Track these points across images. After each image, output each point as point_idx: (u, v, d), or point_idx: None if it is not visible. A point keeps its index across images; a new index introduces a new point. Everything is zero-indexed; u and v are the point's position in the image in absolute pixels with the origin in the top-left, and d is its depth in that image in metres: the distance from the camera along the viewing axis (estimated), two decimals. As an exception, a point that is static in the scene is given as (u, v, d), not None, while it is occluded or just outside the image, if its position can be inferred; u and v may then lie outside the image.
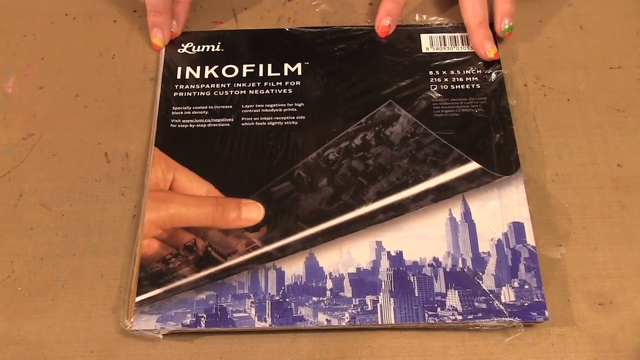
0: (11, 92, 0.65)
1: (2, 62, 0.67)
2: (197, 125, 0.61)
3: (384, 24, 0.66)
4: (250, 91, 0.63)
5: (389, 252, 0.55)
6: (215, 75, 0.64)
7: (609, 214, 0.58)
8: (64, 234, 0.58)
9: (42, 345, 0.54)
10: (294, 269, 0.55)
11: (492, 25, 0.65)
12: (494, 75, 0.63)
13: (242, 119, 0.62)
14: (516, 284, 0.54)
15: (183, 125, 0.61)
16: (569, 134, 0.62)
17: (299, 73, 0.64)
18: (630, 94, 0.64)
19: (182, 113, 0.62)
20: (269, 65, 0.65)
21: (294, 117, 0.62)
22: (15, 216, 0.59)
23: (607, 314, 0.55)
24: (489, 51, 0.64)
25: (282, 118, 0.62)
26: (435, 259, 0.55)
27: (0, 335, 0.54)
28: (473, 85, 0.63)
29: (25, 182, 0.61)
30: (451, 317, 0.53)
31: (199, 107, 0.62)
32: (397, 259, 0.55)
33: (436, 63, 0.64)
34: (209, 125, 0.61)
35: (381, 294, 0.54)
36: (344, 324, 0.53)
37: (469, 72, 0.64)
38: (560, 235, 0.57)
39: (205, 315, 0.53)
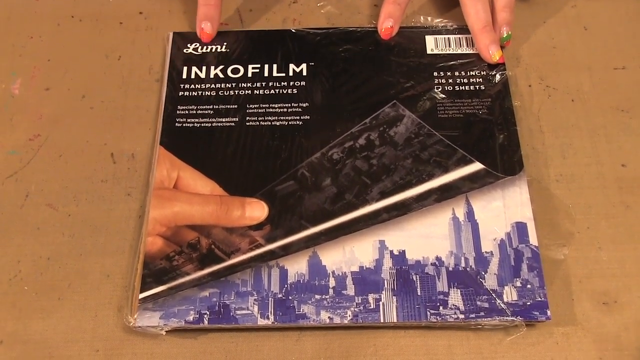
0: (18, 94, 0.66)
1: (8, 64, 0.67)
2: (202, 125, 0.61)
3: (387, 25, 0.66)
4: (255, 91, 0.63)
5: (391, 251, 0.55)
6: (221, 75, 0.65)
7: (613, 214, 0.58)
8: (70, 234, 0.59)
9: (48, 344, 0.54)
10: (297, 267, 0.55)
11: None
12: (498, 77, 0.63)
13: (247, 118, 0.62)
14: (518, 284, 0.54)
15: (188, 124, 0.62)
16: (573, 134, 0.62)
17: (304, 73, 0.64)
18: (634, 95, 0.64)
19: (187, 112, 0.62)
20: (274, 66, 0.65)
21: (298, 117, 0.62)
22: (22, 216, 0.59)
23: (611, 313, 0.54)
24: (493, 55, 0.64)
25: (287, 118, 0.62)
26: (438, 258, 0.55)
27: (7, 335, 0.55)
28: (477, 86, 0.63)
29: (32, 182, 0.61)
30: (453, 316, 0.53)
31: (204, 107, 0.62)
32: (400, 258, 0.55)
33: (441, 64, 0.65)
34: (214, 124, 0.62)
35: (384, 292, 0.54)
36: (346, 322, 0.53)
37: (474, 74, 0.64)
38: (563, 235, 0.57)
39: (208, 313, 0.53)
